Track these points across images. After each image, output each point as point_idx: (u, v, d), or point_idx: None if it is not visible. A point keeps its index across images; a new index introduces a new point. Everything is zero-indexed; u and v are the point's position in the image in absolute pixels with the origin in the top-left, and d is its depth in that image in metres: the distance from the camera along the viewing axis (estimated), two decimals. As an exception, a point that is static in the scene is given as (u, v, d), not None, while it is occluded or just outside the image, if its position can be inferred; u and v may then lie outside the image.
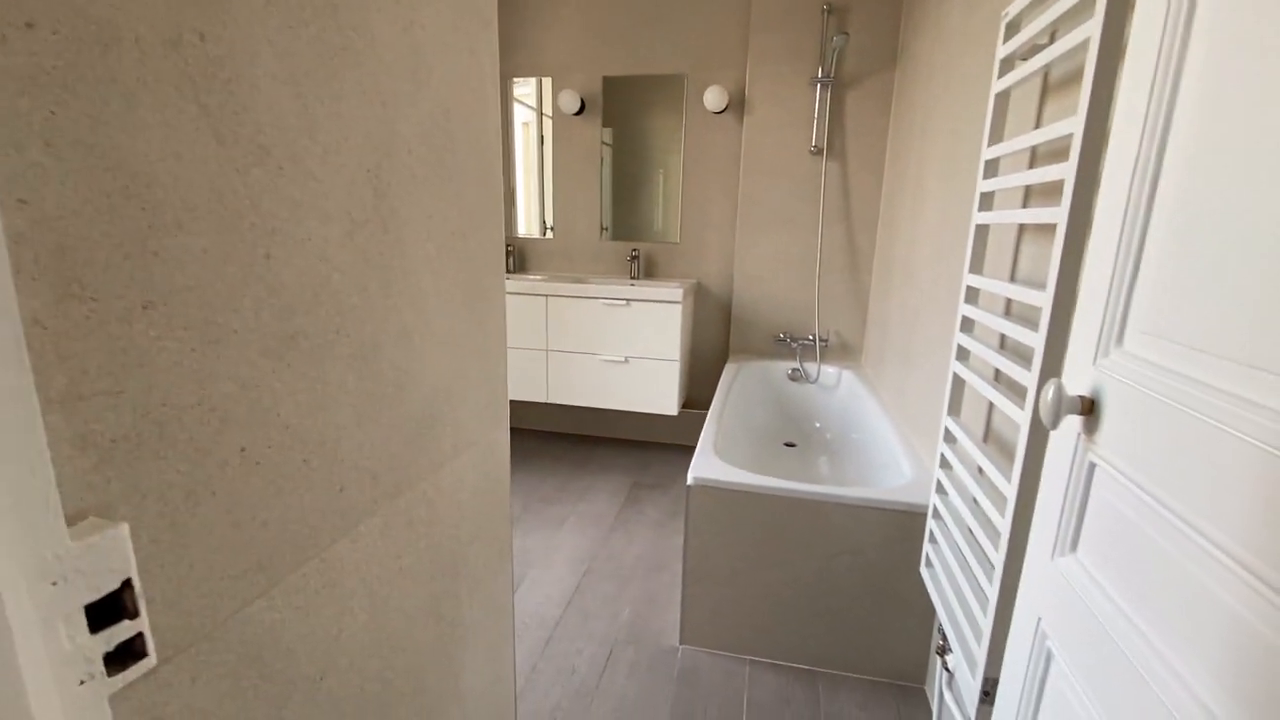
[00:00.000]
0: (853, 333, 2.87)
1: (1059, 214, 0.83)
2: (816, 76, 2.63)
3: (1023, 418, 0.90)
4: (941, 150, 1.79)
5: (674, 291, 2.64)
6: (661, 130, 2.93)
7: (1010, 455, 1.12)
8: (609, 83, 2.92)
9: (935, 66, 1.94)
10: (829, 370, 2.82)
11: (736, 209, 2.90)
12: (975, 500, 1.07)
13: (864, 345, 2.85)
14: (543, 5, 2.89)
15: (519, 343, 2.86)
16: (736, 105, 2.81)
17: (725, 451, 1.98)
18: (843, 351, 2.90)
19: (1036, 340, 0.86)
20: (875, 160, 2.67)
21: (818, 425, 2.83)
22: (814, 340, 2.86)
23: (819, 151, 2.70)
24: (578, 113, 2.92)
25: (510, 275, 3.12)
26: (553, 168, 3.08)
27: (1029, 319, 1.10)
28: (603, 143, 2.99)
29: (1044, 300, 0.86)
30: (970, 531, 1.09)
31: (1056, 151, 1.04)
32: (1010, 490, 0.91)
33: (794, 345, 2.90)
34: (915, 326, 1.96)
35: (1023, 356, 1.06)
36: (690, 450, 3.09)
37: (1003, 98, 1.13)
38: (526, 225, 3.17)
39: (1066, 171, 0.81)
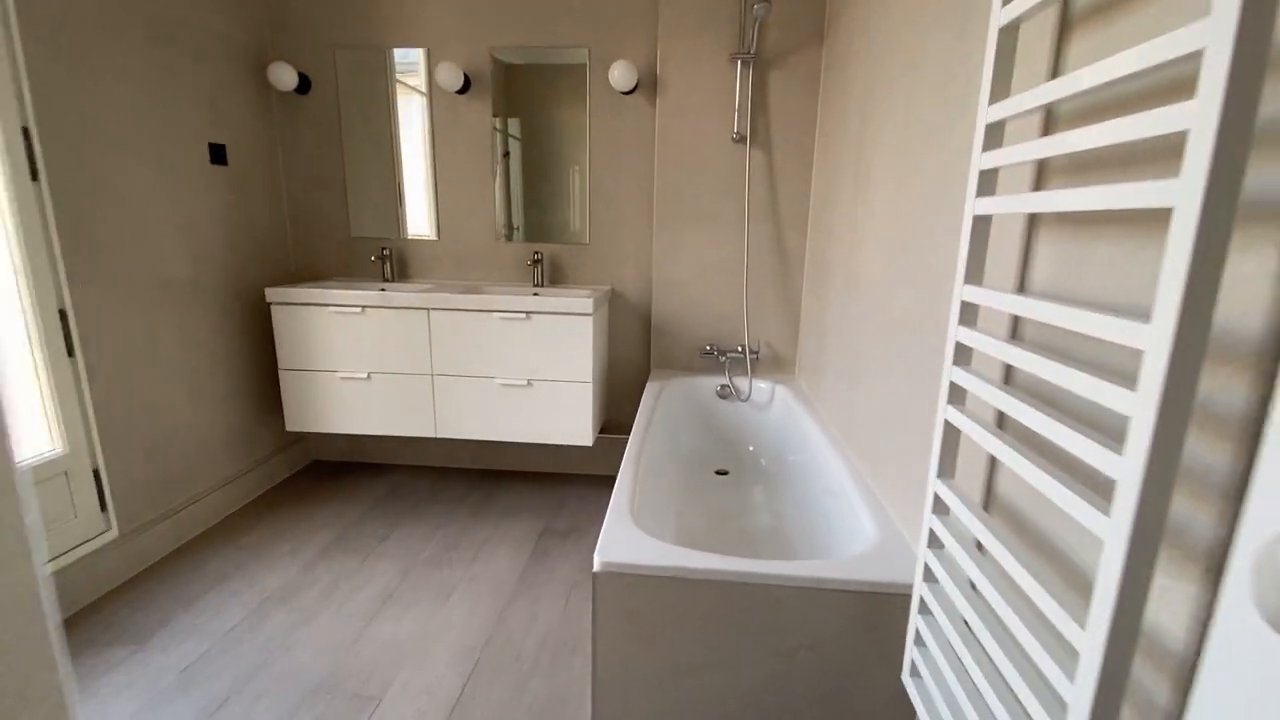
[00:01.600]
0: (785, 344, 2.57)
1: (1174, 190, 0.49)
2: (737, 52, 2.30)
3: (1113, 536, 0.56)
4: (893, 128, 1.48)
5: (582, 301, 2.23)
6: (563, 114, 2.52)
7: (1033, 540, 0.79)
8: (499, 57, 2.47)
9: (876, 29, 1.64)
10: (761, 386, 2.50)
11: (653, 205, 2.53)
12: (996, 615, 0.74)
13: (798, 357, 2.55)
14: (413, -40, 2.40)
15: (395, 366, 2.36)
16: (647, 85, 2.44)
17: (650, 502, 1.60)
18: (775, 364, 2.59)
19: (1135, 405, 0.52)
20: (803, 148, 2.38)
21: (751, 449, 2.50)
22: (743, 353, 2.54)
23: (741, 139, 2.38)
24: (461, 90, 2.45)
25: (388, 284, 2.60)
26: (434, 157, 2.59)
27: (1068, 354, 0.77)
28: (494, 128, 2.53)
29: (1147, 337, 0.52)
30: (988, 653, 0.76)
31: (1118, 103, 0.72)
32: (1084, 641, 0.57)
33: (722, 359, 2.56)
34: (861, 340, 1.66)
35: (1081, 417, 0.73)
36: (610, 481, 2.68)
37: (1009, 35, 0.80)
38: (417, 224, 2.66)
39: (1197, 116, 0.47)
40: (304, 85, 2.51)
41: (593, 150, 2.52)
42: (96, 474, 1.86)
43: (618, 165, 2.53)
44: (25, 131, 1.62)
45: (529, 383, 2.33)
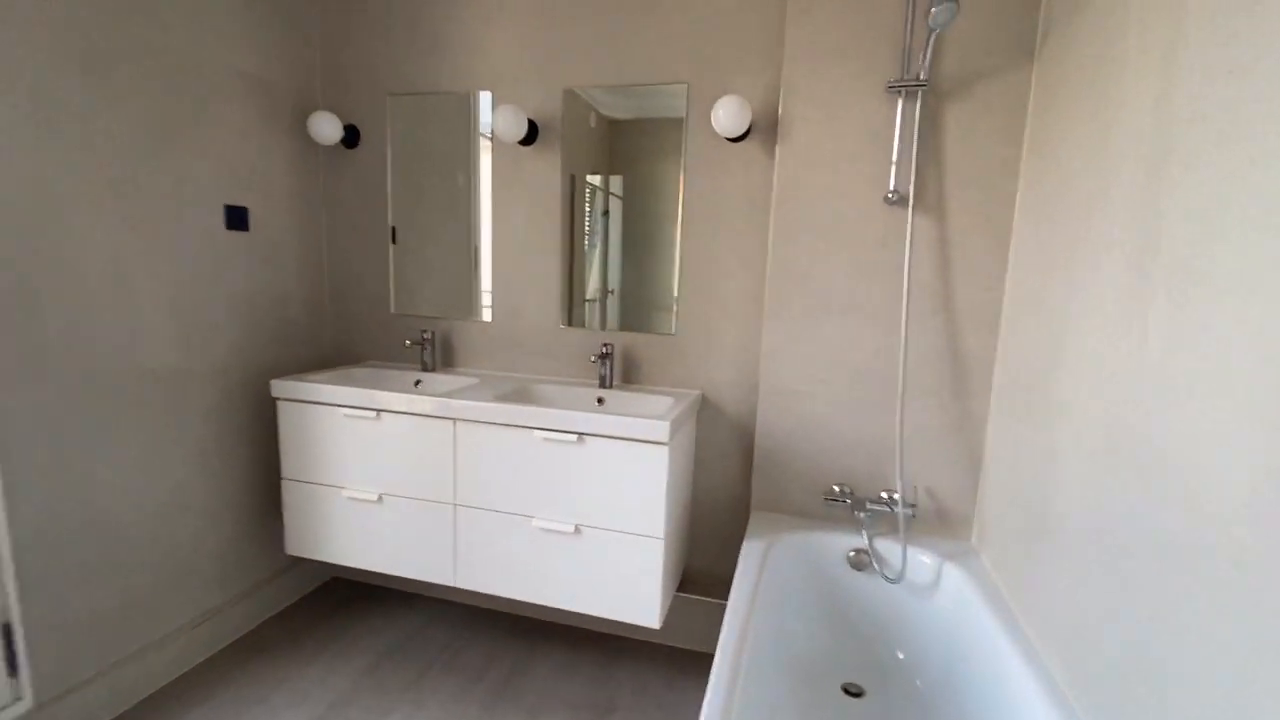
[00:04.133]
0: (957, 495, 1.73)
1: None
2: (897, 79, 1.61)
3: None
4: (1211, 171, 0.71)
5: (656, 425, 1.56)
6: (651, 168, 1.93)
7: None
8: (572, 101, 1.95)
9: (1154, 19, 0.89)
10: (921, 559, 1.67)
11: (764, 287, 1.84)
12: None
13: (979, 518, 1.70)
14: (480, -12, 1.97)
15: (411, 489, 1.80)
16: (765, 128, 1.79)
17: None
18: (940, 525, 1.75)
19: None
20: (996, 213, 1.61)
21: (901, 657, 1.66)
22: (892, 504, 1.73)
23: (899, 200, 1.65)
24: (525, 140, 1.94)
25: (426, 374, 2.09)
26: (491, 220, 2.09)
27: None
28: (566, 185, 1.99)
29: None
30: None
31: None
32: None
33: (859, 512, 1.76)
34: (1124, 505, 0.84)
35: None
36: (684, 661, 1.90)
37: None
38: (468, 301, 2.16)
39: None
40: (351, 138, 2.13)
41: (686, 215, 1.90)
42: (6, 629, 1.41)
43: (718, 234, 1.88)
44: (-65, 192, 1.25)
45: (577, 529, 1.67)
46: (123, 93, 1.56)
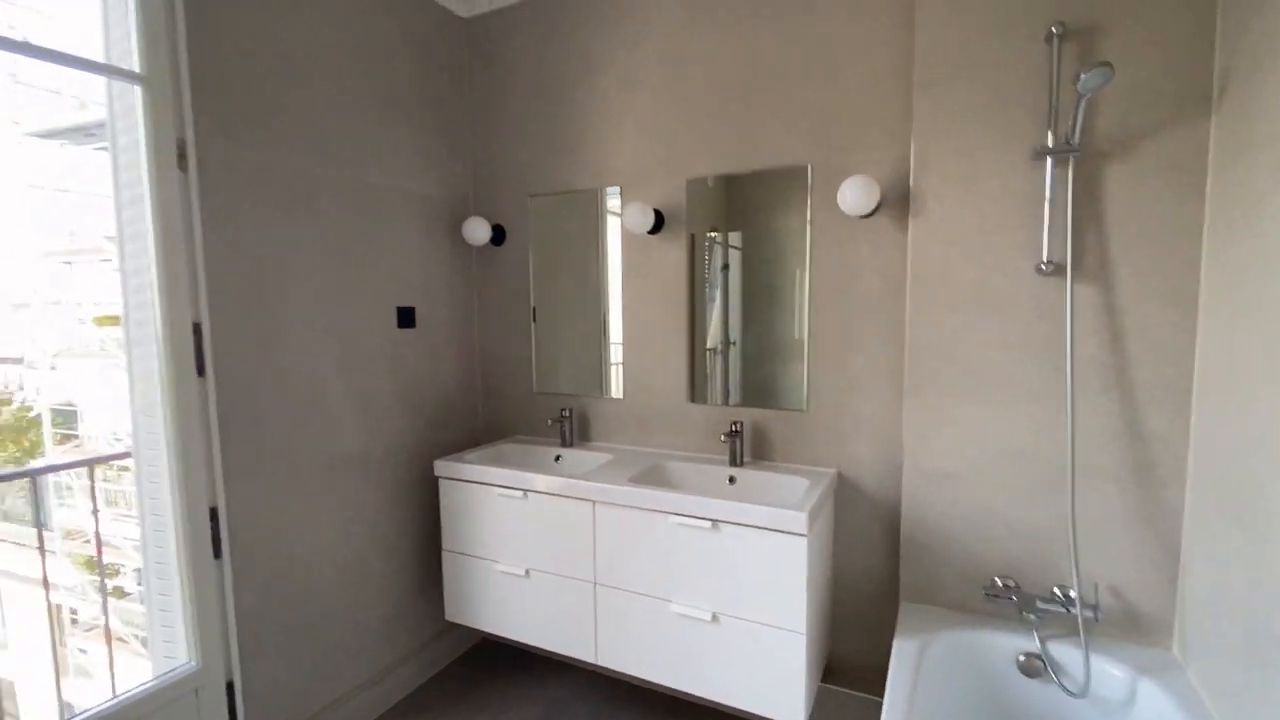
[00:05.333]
0: (1149, 594, 1.51)
1: None
2: (1044, 146, 1.51)
3: None
4: None
5: (792, 517, 1.53)
6: (776, 247, 1.95)
7: None
8: (696, 188, 2.04)
9: None
10: (1110, 671, 1.46)
11: (904, 364, 1.76)
12: None
13: (1181, 624, 1.47)
14: (607, 91, 2.14)
15: (556, 565, 1.90)
16: (895, 203, 1.76)
17: None
18: (1130, 628, 1.53)
19: None
20: (1176, 276, 1.43)
21: (1093, 787, 1.45)
22: (1070, 602, 1.54)
23: (1055, 270, 1.53)
24: (653, 230, 2.05)
25: (565, 449, 2.22)
26: (622, 305, 2.21)
27: None
28: (690, 269, 2.07)
29: None
30: None
31: None
32: None
33: (1027, 611, 1.59)
34: None
35: None
36: None
37: None
38: (601, 380, 2.28)
39: None
40: (498, 236, 2.37)
41: (814, 289, 1.89)
42: (230, 687, 1.66)
43: (850, 308, 1.85)
44: (196, 328, 1.57)
45: (714, 617, 1.66)
46: (322, 224, 1.87)
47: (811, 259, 1.88)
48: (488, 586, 2.04)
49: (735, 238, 2.02)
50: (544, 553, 1.92)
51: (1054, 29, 1.48)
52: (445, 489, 2.10)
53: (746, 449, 2.00)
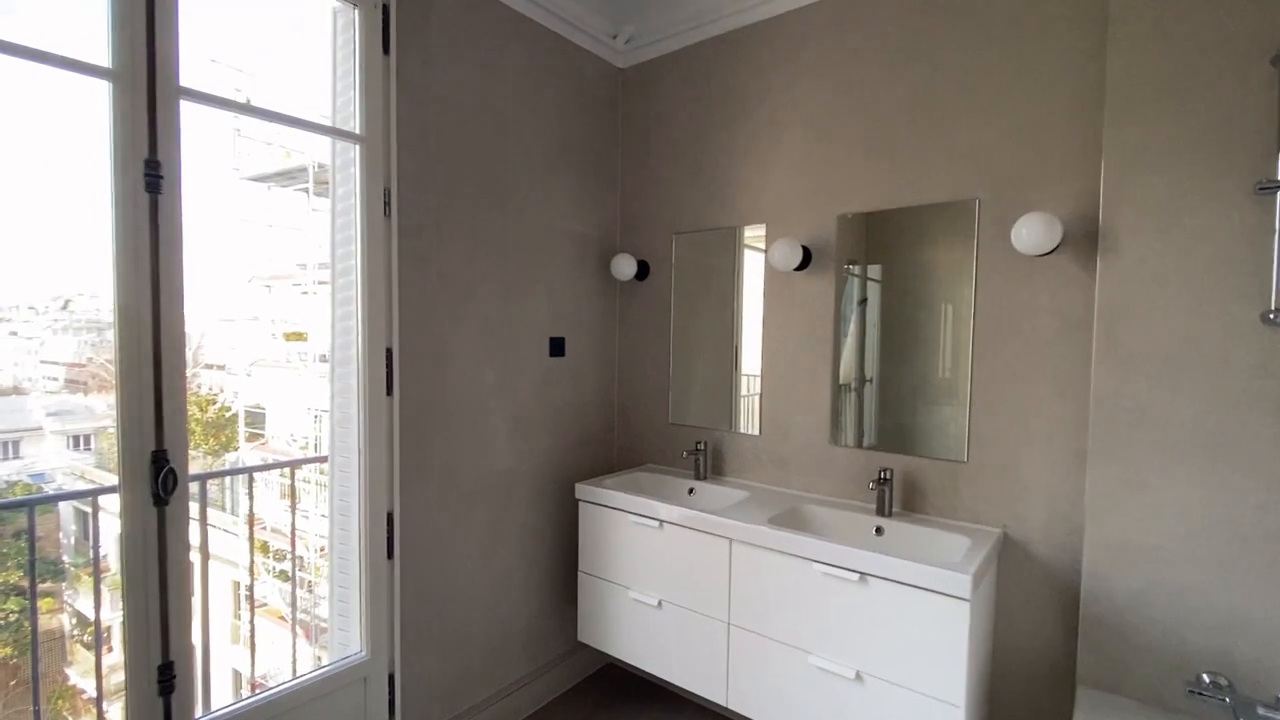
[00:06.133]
0: None
1: None
2: (1273, 180, 1.32)
3: None
4: None
5: (955, 579, 1.42)
6: (937, 285, 1.86)
7: None
8: (848, 223, 2.00)
9: None
10: (1370, 813, 1.19)
11: (1086, 418, 1.59)
12: None
13: None
14: (755, 131, 2.18)
15: (689, 600, 1.89)
16: (1080, 241, 1.61)
17: None
18: (1403, 763, 1.24)
19: None
20: None
21: None
22: (1309, 719, 1.29)
23: (1290, 318, 1.31)
24: (800, 267, 2.03)
25: (699, 482, 2.23)
26: (763, 341, 2.20)
27: None
28: (839, 309, 2.02)
29: None
30: None
31: None
32: None
33: (1243, 718, 1.35)
34: None
35: None
36: None
37: None
38: (737, 415, 2.29)
39: None
40: (642, 271, 2.47)
41: (979, 333, 1.77)
42: (391, 679, 1.82)
43: (1022, 355, 1.70)
44: (389, 353, 1.77)
45: (858, 676, 1.57)
46: (493, 262, 2.06)
47: (977, 299, 1.76)
48: (620, 612, 2.08)
49: (875, 270, 1.96)
50: (677, 585, 1.93)
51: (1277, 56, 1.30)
52: (584, 512, 2.18)
53: (895, 499, 1.89)
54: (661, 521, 1.95)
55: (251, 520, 2.60)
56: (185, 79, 1.38)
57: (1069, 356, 1.64)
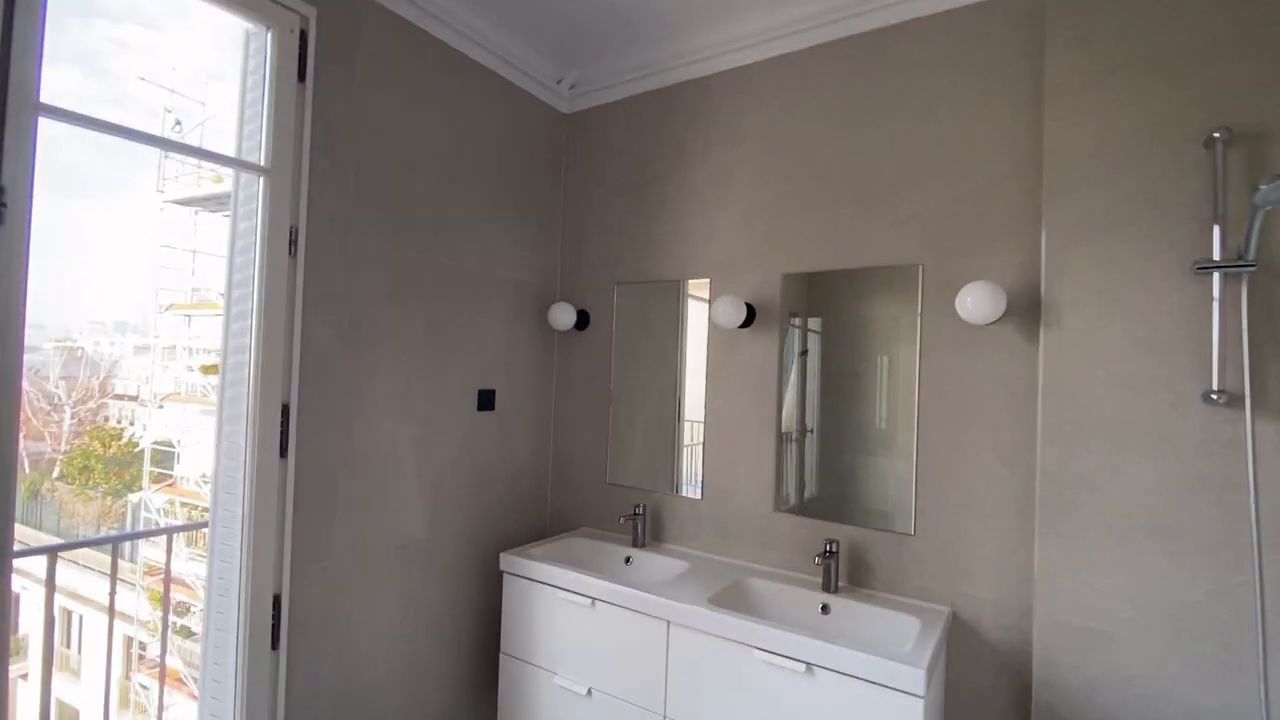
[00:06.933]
0: (1390, 830, 1.16)
1: None
2: (1208, 260, 1.33)
3: None
4: None
5: (906, 673, 1.30)
6: (881, 343, 1.80)
7: None
8: (792, 280, 1.94)
9: None
10: None
11: (1033, 494, 1.54)
12: None
13: None
14: (698, 184, 2.12)
15: (621, 689, 1.71)
16: (1022, 311, 1.59)
17: None
18: None
19: None
20: (1397, 421, 1.18)
21: None
22: (1268, 826, 1.21)
23: (1230, 400, 1.30)
24: (745, 324, 1.95)
25: (636, 550, 2.07)
26: (706, 400, 2.09)
27: None
28: (781, 367, 1.94)
29: None
30: None
31: None
32: None
33: (1210, 827, 1.27)
34: None
35: None
36: None
37: None
38: (676, 477, 2.15)
39: None
40: (582, 321, 2.34)
41: (924, 404, 1.71)
42: (269, 795, 1.55)
43: (966, 423, 1.65)
44: (284, 409, 1.56)
45: (806, 781, 1.42)
46: (416, 309, 1.89)
47: (921, 367, 1.72)
48: (546, 701, 1.86)
49: (816, 324, 1.91)
50: (609, 671, 1.74)
51: (1217, 134, 1.32)
52: (509, 585, 1.98)
53: (840, 573, 1.78)
54: (594, 599, 1.77)
55: (112, 610, 2.23)
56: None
57: (1015, 427, 1.60)
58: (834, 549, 1.74)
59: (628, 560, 2.06)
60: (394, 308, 1.83)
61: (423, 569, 1.93)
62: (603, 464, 2.30)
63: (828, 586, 1.74)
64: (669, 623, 1.64)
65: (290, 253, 1.57)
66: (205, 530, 1.64)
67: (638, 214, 2.26)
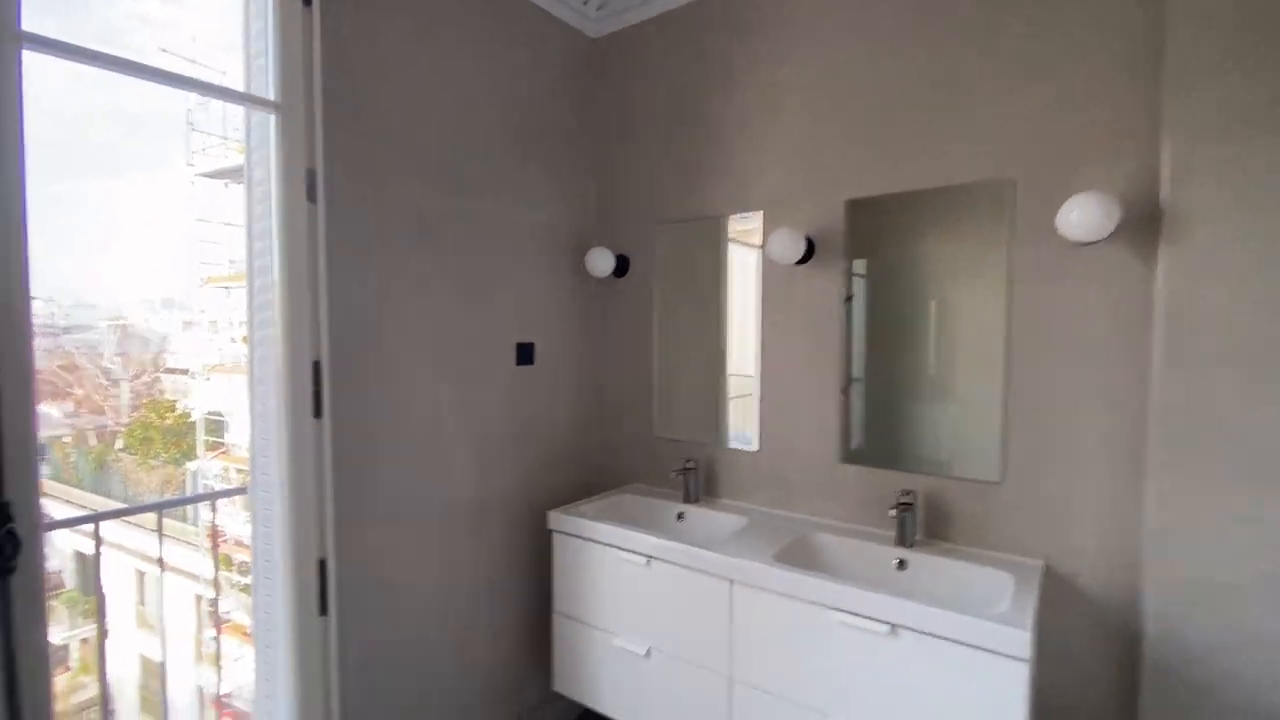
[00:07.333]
0: None
1: None
2: (1388, 143, 1.09)
3: None
4: None
5: (1008, 635, 1.17)
6: (964, 282, 1.61)
7: None
8: (857, 209, 1.74)
9: None
10: None
11: (1145, 433, 1.35)
12: None
13: None
14: (748, 106, 1.91)
15: (683, 649, 1.63)
16: (1134, 227, 1.37)
17: None
18: None
19: None
20: None
21: None
22: None
23: None
24: (803, 260, 1.77)
25: (689, 506, 1.96)
26: (761, 345, 1.93)
27: None
28: (847, 306, 1.76)
29: None
30: None
31: None
32: None
33: (1367, 801, 1.12)
34: None
35: None
36: None
37: None
38: (732, 428, 2.02)
39: None
40: (621, 267, 2.18)
41: (1014, 339, 1.52)
42: (329, 755, 1.52)
43: (1064, 360, 1.46)
44: (315, 366, 1.47)
45: (890, 747, 1.31)
46: (446, 258, 1.76)
47: (1011, 295, 1.52)
48: (602, 661, 1.80)
49: (886, 262, 1.72)
50: (669, 632, 1.66)
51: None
52: (559, 544, 1.90)
53: (918, 527, 1.64)
54: (649, 558, 1.67)
55: (162, 567, 2.25)
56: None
57: (1122, 360, 1.40)
58: (909, 500, 1.60)
59: (680, 516, 1.96)
60: (424, 258, 1.70)
61: (470, 530, 1.86)
62: (649, 417, 2.18)
63: (903, 540, 1.60)
64: (732, 581, 1.53)
65: (309, 198, 1.45)
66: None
67: (679, 145, 2.07)
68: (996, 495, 1.56)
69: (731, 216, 1.96)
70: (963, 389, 1.61)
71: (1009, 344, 1.53)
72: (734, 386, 2.00)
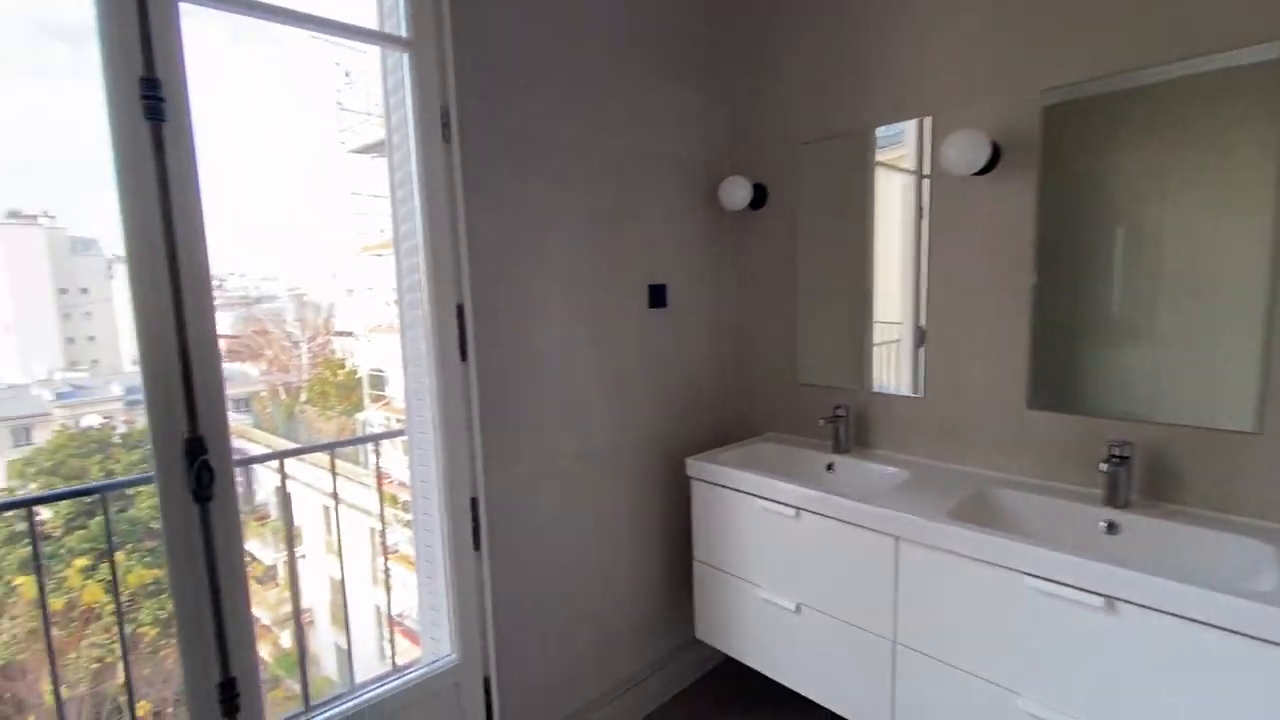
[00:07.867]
0: None
1: None
2: None
3: None
4: None
5: (1273, 615, 0.91)
6: (1195, 196, 1.26)
7: None
8: (1058, 105, 1.41)
9: None
10: None
11: None
12: None
13: None
14: (917, -5, 1.61)
15: (838, 608, 1.50)
16: None
17: None
18: None
19: None
20: None
21: None
22: None
23: None
24: (984, 170, 1.49)
25: (838, 457, 1.80)
26: (928, 273, 1.68)
27: None
28: (1042, 224, 1.47)
29: None
30: None
31: None
32: None
33: None
34: None
35: None
36: None
37: None
38: (888, 373, 1.82)
39: None
40: (759, 198, 2.00)
41: (1291, 244, 1.17)
42: (486, 682, 1.60)
43: (1373, 271, 1.10)
44: (459, 309, 1.47)
45: (1103, 737, 1.11)
46: (576, 194, 1.69)
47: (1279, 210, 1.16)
48: (747, 613, 1.73)
49: (1093, 165, 1.39)
50: (821, 588, 1.54)
51: None
52: (698, 492, 1.83)
53: (1135, 484, 1.36)
54: (799, 509, 1.55)
55: (336, 500, 2.48)
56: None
57: None
58: (1123, 453, 1.32)
59: (830, 467, 1.80)
60: (553, 195, 1.64)
61: (607, 474, 1.84)
62: (791, 362, 2.02)
63: (1114, 500, 1.34)
64: (898, 539, 1.37)
65: (444, 138, 1.43)
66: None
67: (827, 46, 1.81)
68: (1253, 448, 1.24)
69: (881, 142, 1.70)
70: (1200, 324, 1.28)
71: (1276, 266, 1.18)
72: (880, 334, 1.79)
